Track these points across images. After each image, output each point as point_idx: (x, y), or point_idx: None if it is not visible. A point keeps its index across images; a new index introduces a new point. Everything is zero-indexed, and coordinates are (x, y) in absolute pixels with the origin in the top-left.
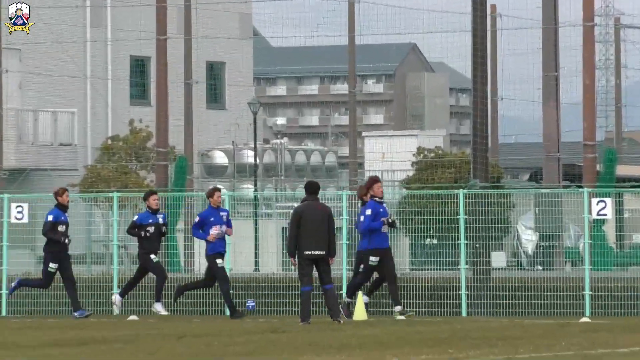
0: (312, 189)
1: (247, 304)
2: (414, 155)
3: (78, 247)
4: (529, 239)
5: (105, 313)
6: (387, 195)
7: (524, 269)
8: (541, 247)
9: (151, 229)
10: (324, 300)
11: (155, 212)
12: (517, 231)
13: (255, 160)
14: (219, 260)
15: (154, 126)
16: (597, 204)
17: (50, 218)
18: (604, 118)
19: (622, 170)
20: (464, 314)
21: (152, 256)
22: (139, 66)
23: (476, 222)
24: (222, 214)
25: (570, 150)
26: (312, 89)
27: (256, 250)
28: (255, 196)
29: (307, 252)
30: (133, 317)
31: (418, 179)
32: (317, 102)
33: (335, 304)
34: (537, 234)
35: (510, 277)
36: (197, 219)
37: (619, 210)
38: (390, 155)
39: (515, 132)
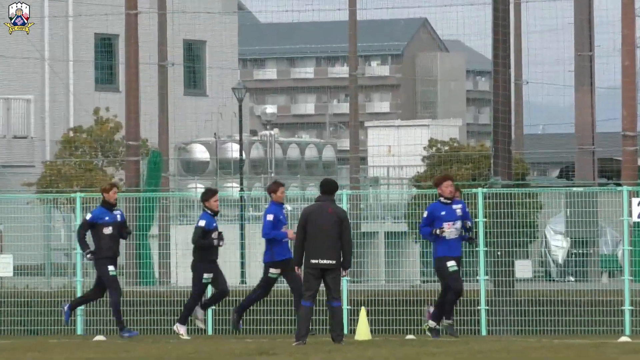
0: (326, 187)
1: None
2: (425, 148)
3: (35, 257)
4: (559, 245)
5: (68, 333)
6: (394, 195)
7: (553, 280)
8: (573, 255)
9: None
10: (327, 317)
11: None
12: (546, 236)
13: (240, 155)
14: (274, 270)
15: (123, 116)
16: (639, 205)
17: (87, 217)
18: None
19: None
20: (483, 332)
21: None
22: (105, 46)
23: (497, 225)
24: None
25: (607, 142)
26: (306, 71)
27: (242, 259)
28: (241, 197)
29: (313, 261)
30: (100, 338)
31: (430, 176)
32: (312, 87)
33: (340, 324)
34: (569, 239)
35: (538, 290)
36: (270, 217)
37: None
38: (397, 149)
39: (542, 121)
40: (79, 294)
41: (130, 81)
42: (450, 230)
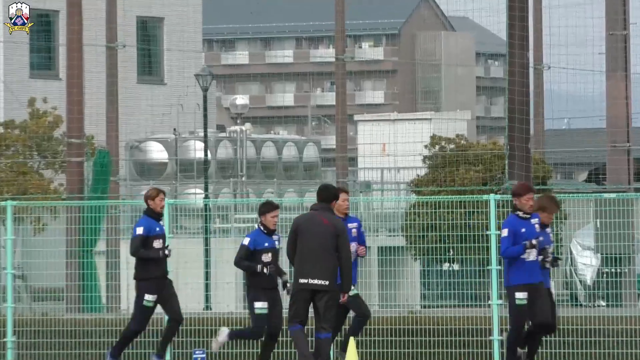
0: (324, 194)
1: (195, 355)
2: (426, 147)
3: None
4: (587, 263)
5: None
6: (388, 203)
7: (581, 305)
8: (604, 275)
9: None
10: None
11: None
12: (571, 252)
13: (205, 155)
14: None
15: (64, 108)
16: None
17: (139, 231)
18: None
19: None
20: None
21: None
22: (42, 24)
23: None
24: (350, 225)
25: None
26: (285, 55)
27: (207, 280)
28: (205, 205)
29: (302, 281)
30: None
31: (432, 180)
32: (291, 73)
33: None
34: (599, 256)
35: (562, 316)
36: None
37: None
38: (393, 148)
39: (567, 114)
40: (9, 323)
41: (72, 67)
42: (530, 250)
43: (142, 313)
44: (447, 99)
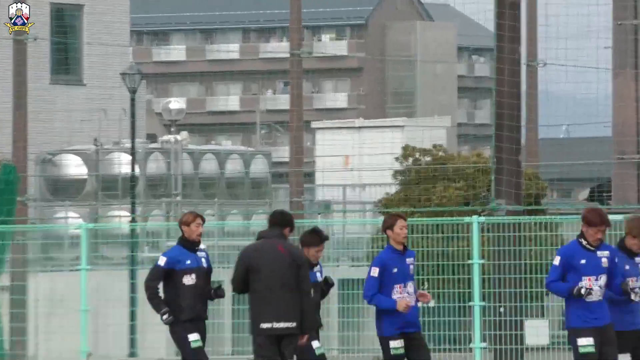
0: (278, 218)
1: None
2: (397, 159)
3: None
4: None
5: None
6: (352, 227)
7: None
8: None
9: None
10: None
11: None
12: None
13: (132, 169)
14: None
15: None
16: None
17: (161, 262)
18: None
19: None
20: None
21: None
22: None
23: (500, 269)
24: (408, 260)
25: None
26: (229, 50)
27: (132, 320)
28: (132, 230)
29: (264, 326)
30: None
31: (405, 199)
32: (237, 71)
33: None
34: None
35: None
36: (375, 271)
37: None
38: (358, 160)
39: (566, 119)
40: None
41: None
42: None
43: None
44: (423, 102)
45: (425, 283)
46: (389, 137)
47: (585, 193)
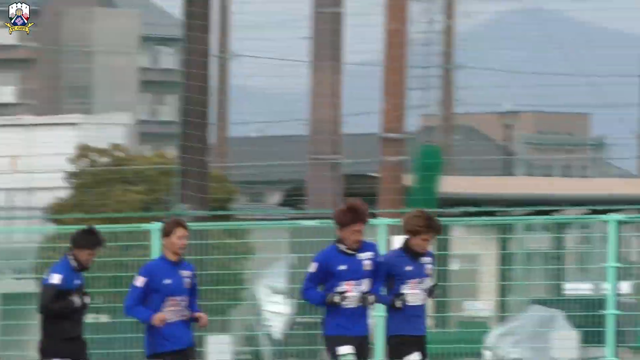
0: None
1: None
2: (71, 160)
3: None
4: (276, 311)
5: None
6: (17, 235)
7: None
8: (297, 327)
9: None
10: None
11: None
12: (256, 297)
13: None
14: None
15: None
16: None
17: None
18: (419, 91)
19: (452, 183)
20: None
21: None
22: None
23: None
24: (184, 273)
25: (358, 148)
26: None
27: None
28: None
29: None
30: None
31: (78, 204)
32: None
33: None
34: (292, 301)
35: None
36: (139, 280)
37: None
38: (27, 162)
39: (260, 116)
40: None
41: None
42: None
43: None
44: (101, 97)
45: (101, 297)
46: (62, 135)
47: (278, 197)
